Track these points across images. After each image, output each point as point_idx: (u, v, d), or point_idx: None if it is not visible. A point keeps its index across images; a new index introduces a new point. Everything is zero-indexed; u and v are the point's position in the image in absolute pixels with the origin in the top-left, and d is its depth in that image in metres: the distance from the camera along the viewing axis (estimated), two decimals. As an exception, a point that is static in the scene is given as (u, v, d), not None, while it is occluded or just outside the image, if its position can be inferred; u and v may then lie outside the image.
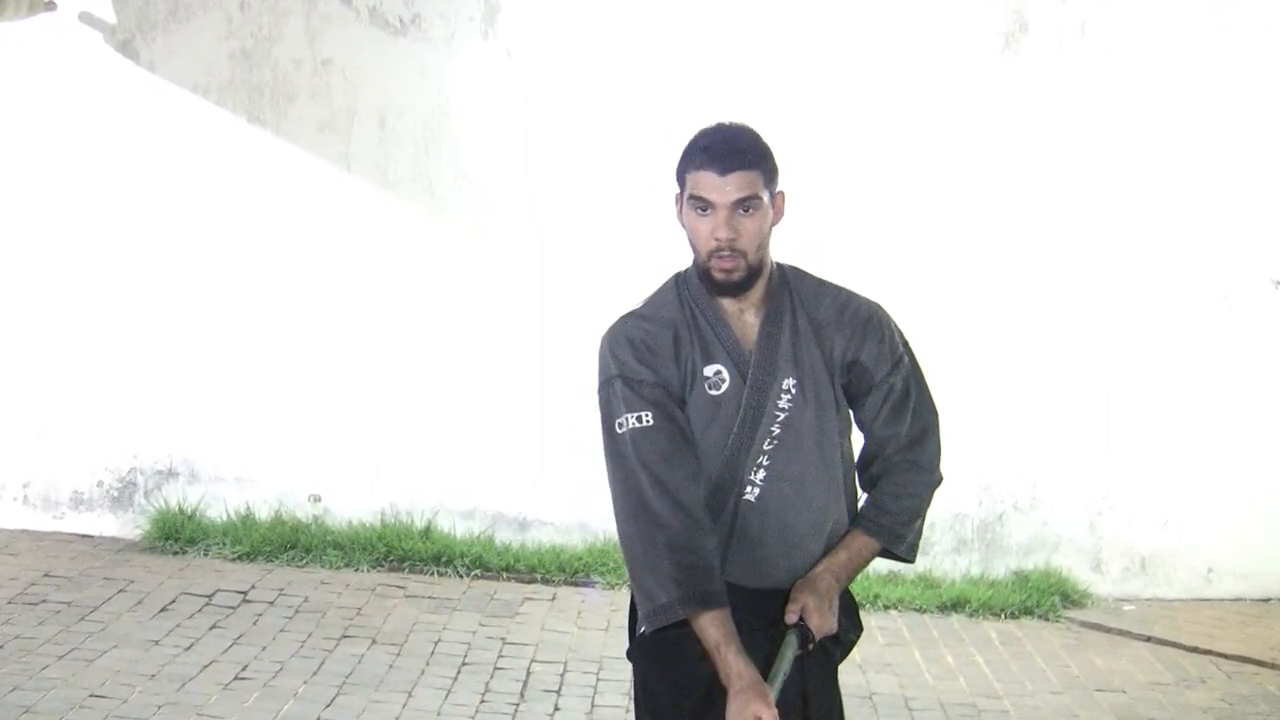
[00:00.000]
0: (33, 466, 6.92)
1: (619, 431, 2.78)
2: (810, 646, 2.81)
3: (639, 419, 2.76)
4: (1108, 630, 6.49)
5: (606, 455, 2.82)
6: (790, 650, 2.78)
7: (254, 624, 5.87)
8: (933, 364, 6.42)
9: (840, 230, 6.67)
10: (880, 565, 6.65)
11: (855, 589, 6.10)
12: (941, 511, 6.78)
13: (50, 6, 6.46)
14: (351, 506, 6.90)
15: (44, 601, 5.96)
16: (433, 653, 5.67)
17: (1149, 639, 6.39)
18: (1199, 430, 6.83)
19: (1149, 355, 6.81)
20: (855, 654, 5.70)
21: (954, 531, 6.89)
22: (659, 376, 2.80)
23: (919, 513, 2.98)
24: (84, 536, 6.92)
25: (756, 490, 2.83)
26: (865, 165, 6.71)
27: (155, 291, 6.84)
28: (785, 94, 6.64)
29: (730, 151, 2.74)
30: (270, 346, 6.88)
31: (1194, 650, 6.27)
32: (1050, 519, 6.88)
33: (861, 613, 5.52)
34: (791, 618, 2.79)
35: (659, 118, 6.34)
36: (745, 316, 2.86)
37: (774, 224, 2.84)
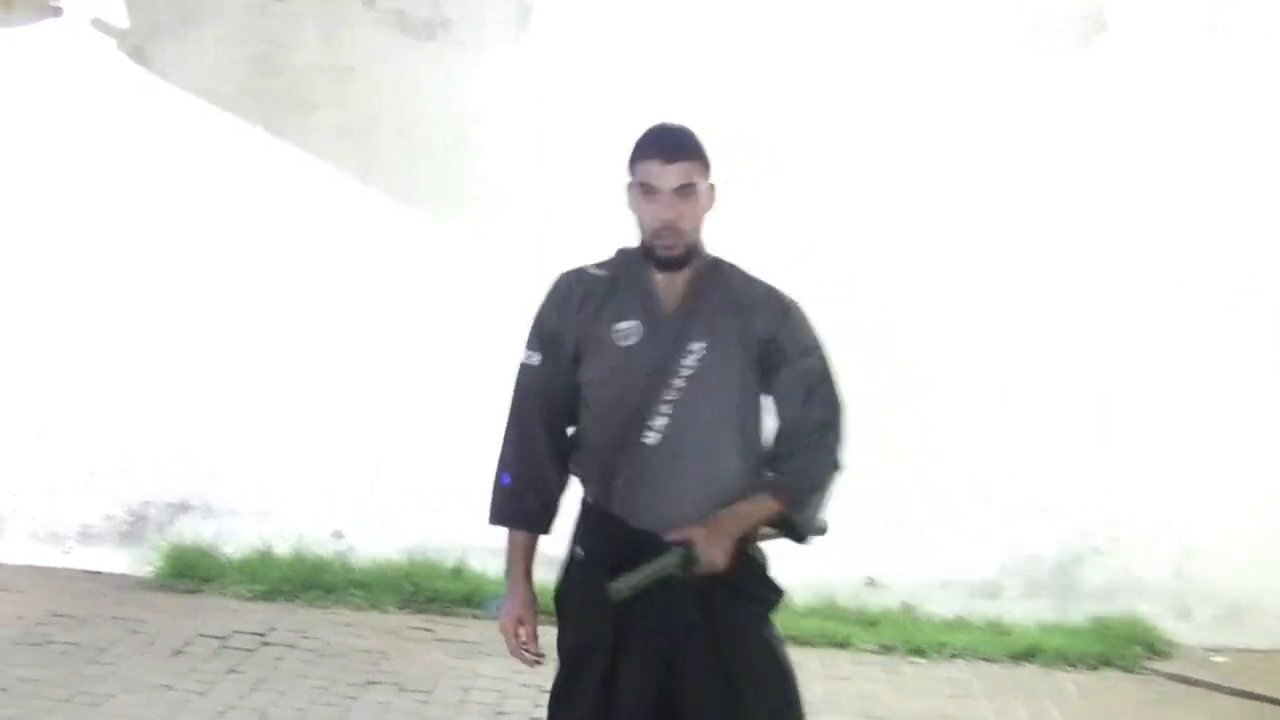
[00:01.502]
0: (40, 499, 7.11)
1: (521, 360, 3.58)
2: (692, 572, 3.31)
3: (529, 356, 3.56)
4: (1194, 683, 6.53)
5: None
6: (659, 563, 3.30)
7: (273, 668, 6.02)
8: (1010, 391, 6.56)
9: (903, 241, 6.78)
10: (945, 610, 6.78)
11: (921, 637, 6.25)
12: (1014, 553, 6.89)
13: (57, 11, 6.66)
14: (376, 544, 7.04)
15: (50, 642, 6.13)
16: (462, 701, 5.80)
17: (1236, 693, 6.42)
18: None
19: (1243, 391, 6.85)
20: (917, 706, 5.89)
21: (1026, 575, 6.94)
22: (559, 326, 3.51)
23: (819, 488, 3.47)
24: (93, 573, 7.09)
25: (655, 435, 3.39)
26: (928, 166, 6.82)
27: (169, 315, 7.03)
28: (845, 98, 6.76)
29: (674, 145, 3.41)
30: (290, 373, 7.04)
31: (1286, 705, 6.31)
32: (1132, 562, 6.91)
33: (925, 661, 5.61)
34: (673, 536, 3.35)
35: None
36: (676, 288, 3.47)
37: (706, 211, 3.46)
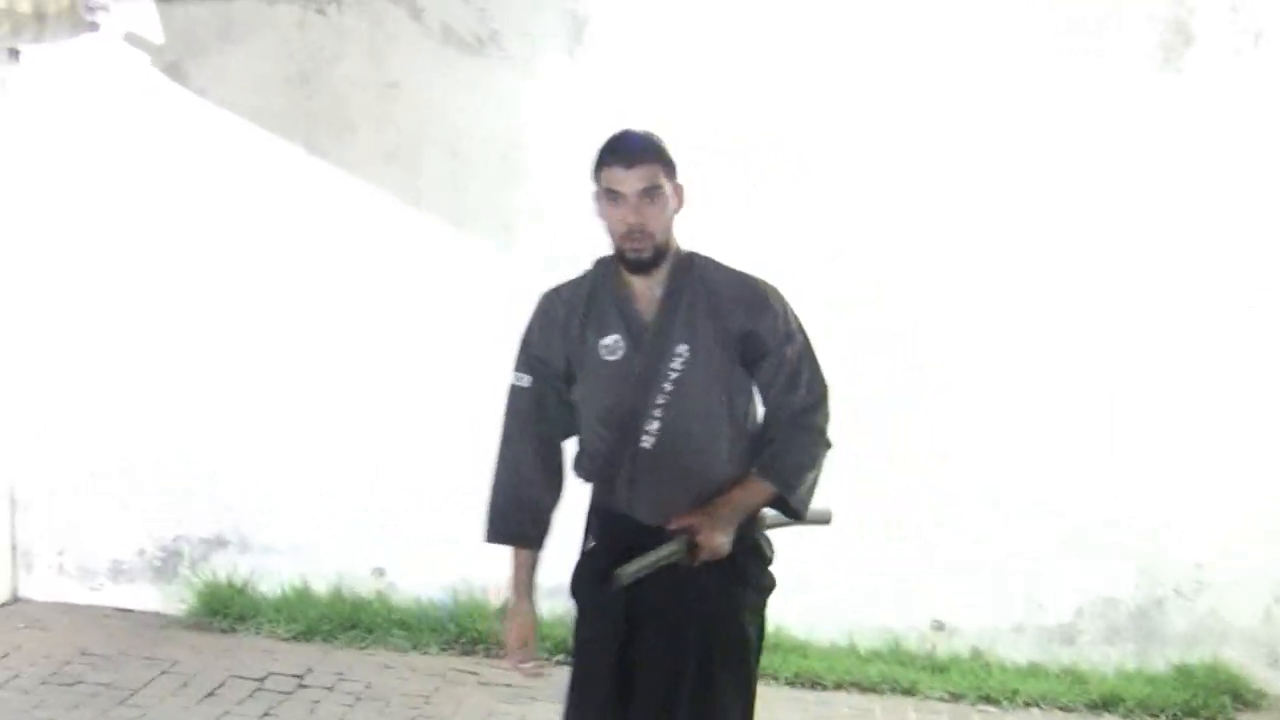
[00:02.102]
0: (69, 533, 7.10)
1: (510, 382, 3.87)
2: (695, 560, 3.57)
3: (518, 378, 3.84)
4: (1292, 737, 6.36)
5: None
6: (663, 550, 3.54)
7: (310, 712, 5.97)
8: (1087, 426, 6.42)
9: (985, 260, 6.65)
10: (1018, 656, 6.64)
11: (992, 684, 6.11)
12: (1091, 596, 6.74)
13: (93, 26, 6.66)
14: (419, 582, 6.98)
15: (79, 682, 6.11)
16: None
17: (1334, 747, 6.26)
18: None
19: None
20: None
21: (1105, 619, 6.78)
22: (545, 349, 3.79)
23: (809, 467, 3.71)
24: (123, 610, 7.08)
25: (651, 439, 3.65)
26: (954, 171, 6.69)
27: (206, 340, 7.01)
28: (873, 102, 6.63)
29: (634, 150, 3.63)
30: (331, 404, 7.00)
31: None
32: (1218, 606, 6.74)
33: (996, 709, 5.44)
34: (675, 525, 3.57)
35: (759, 134, 6.44)
36: (652, 292, 3.67)
37: (676, 211, 3.68)
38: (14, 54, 6.84)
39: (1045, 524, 6.74)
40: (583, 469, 3.86)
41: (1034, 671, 6.70)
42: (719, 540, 3.58)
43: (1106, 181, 6.64)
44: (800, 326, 3.78)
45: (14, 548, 7.11)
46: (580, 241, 6.72)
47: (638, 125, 6.57)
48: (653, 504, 3.68)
